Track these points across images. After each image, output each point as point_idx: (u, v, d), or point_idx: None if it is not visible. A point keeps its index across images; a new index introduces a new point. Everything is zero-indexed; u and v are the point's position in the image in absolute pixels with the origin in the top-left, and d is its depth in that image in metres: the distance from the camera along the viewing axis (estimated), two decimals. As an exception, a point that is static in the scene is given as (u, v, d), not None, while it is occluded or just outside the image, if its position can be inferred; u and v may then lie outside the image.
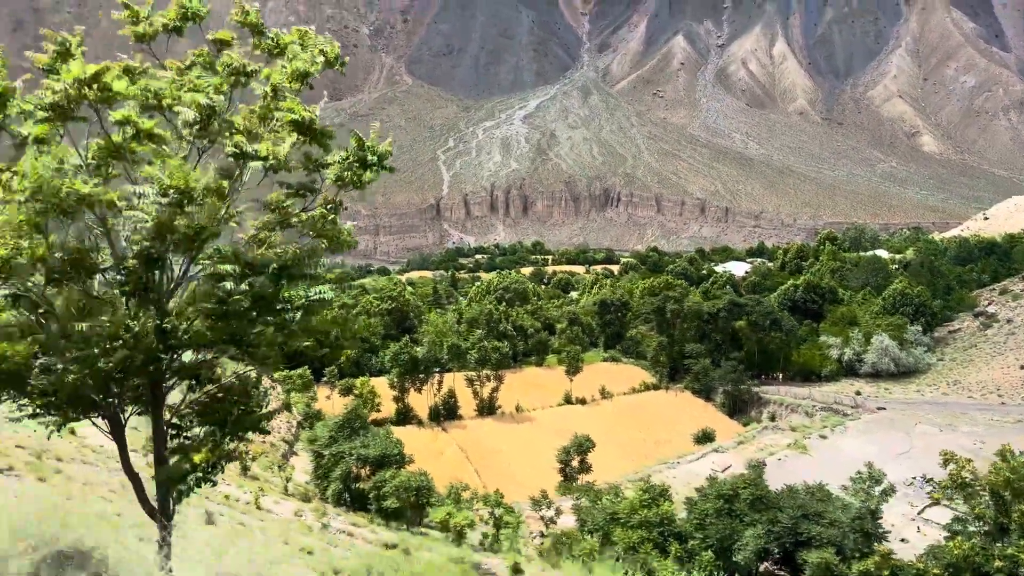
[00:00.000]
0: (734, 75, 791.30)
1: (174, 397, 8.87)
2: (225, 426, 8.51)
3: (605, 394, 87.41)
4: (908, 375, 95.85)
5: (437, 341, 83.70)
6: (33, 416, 7.64)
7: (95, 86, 7.16)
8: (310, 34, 8.25)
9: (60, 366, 7.01)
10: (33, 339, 6.89)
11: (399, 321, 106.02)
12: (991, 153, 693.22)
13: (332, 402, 71.30)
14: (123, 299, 7.50)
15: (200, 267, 7.97)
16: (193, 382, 8.50)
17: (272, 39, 8.34)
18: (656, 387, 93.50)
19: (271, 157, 7.57)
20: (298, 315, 8.09)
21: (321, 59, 8.24)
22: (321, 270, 8.44)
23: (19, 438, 30.26)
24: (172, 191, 7.00)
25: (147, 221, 7.09)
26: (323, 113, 8.22)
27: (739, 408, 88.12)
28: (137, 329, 6.93)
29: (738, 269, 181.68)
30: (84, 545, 8.07)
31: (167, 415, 8.46)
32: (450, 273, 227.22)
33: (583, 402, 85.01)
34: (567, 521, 43.23)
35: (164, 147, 7.51)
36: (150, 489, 8.42)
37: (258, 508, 30.71)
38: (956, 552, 26.76)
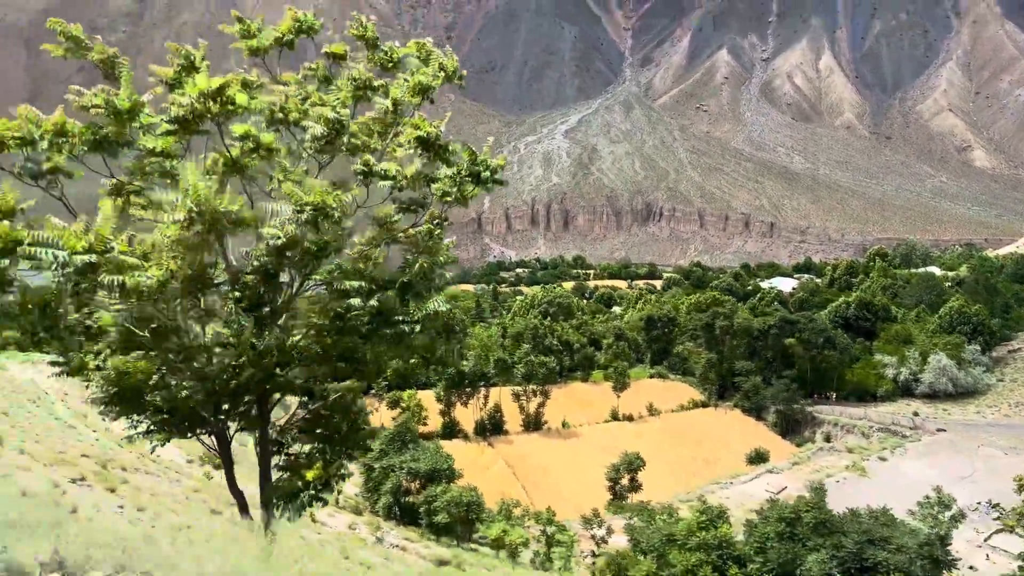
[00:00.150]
0: (779, 89, 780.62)
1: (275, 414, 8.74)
2: (333, 443, 8.25)
3: (653, 411, 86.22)
4: (967, 396, 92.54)
5: (483, 355, 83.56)
6: (148, 433, 7.54)
7: (219, 99, 7.01)
8: (428, 47, 8.02)
9: (174, 383, 6.91)
10: (154, 356, 6.75)
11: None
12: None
13: (380, 415, 71.49)
14: (243, 316, 7.31)
15: (311, 283, 7.79)
16: (305, 399, 8.33)
17: (386, 52, 8.16)
18: (705, 404, 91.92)
19: (400, 177, 7.42)
20: (416, 328, 7.85)
21: (441, 74, 8.03)
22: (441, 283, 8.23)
23: (83, 447, 30.90)
24: (308, 208, 6.80)
25: (280, 238, 6.89)
26: None
27: (791, 428, 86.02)
28: (262, 348, 6.78)
29: (785, 285, 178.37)
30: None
31: (271, 432, 8.31)
32: (491, 287, 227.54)
33: (630, 419, 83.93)
34: (618, 540, 42.60)
35: (283, 161, 7.39)
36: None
37: (313, 521, 30.86)
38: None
